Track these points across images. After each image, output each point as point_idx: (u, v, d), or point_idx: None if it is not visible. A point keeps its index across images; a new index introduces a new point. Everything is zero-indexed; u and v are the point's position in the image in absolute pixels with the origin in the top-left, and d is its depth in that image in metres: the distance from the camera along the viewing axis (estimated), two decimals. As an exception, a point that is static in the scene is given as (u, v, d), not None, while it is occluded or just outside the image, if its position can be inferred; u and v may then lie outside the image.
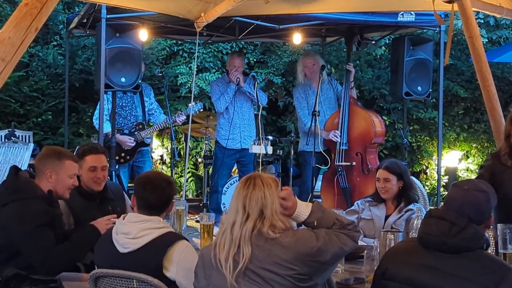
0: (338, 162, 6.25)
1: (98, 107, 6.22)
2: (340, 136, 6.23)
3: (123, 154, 6.29)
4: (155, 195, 2.81)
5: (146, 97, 6.46)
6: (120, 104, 6.30)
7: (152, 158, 7.42)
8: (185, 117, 6.49)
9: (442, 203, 2.93)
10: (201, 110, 6.80)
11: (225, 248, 2.39)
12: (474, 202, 2.43)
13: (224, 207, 6.66)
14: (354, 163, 6.23)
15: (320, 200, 6.66)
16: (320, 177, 6.63)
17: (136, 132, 6.33)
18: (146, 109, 6.47)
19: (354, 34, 6.56)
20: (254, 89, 6.26)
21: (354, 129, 6.31)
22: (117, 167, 6.30)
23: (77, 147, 4.94)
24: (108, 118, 6.17)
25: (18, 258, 3.17)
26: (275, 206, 2.43)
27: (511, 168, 3.41)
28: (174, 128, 6.51)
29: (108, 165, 4.06)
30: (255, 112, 6.41)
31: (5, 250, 3.21)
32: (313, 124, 6.12)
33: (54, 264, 3.14)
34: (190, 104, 6.39)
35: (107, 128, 6.08)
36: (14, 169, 3.40)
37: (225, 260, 2.37)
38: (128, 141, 6.24)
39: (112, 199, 3.87)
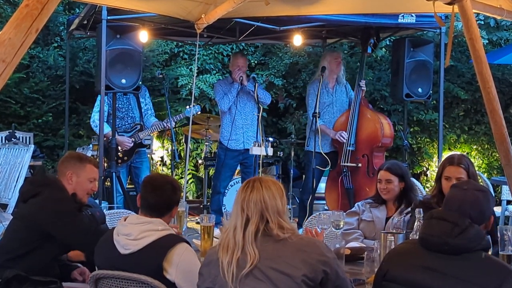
0: (344, 162, 6.24)
1: (94, 109, 6.32)
2: (348, 137, 6.23)
3: (120, 155, 6.32)
4: (155, 195, 2.82)
5: (142, 98, 6.48)
6: (117, 105, 6.30)
7: (152, 159, 7.41)
8: (180, 118, 6.59)
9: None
10: (199, 112, 6.82)
11: (228, 252, 2.37)
12: (474, 202, 2.42)
13: (225, 208, 6.65)
14: (360, 165, 6.22)
15: (323, 202, 6.66)
16: (324, 179, 6.63)
17: (134, 133, 6.36)
18: (142, 110, 6.50)
19: (370, 36, 6.49)
20: (254, 90, 6.26)
21: (362, 130, 6.32)
22: None
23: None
24: (106, 120, 6.19)
25: (19, 260, 3.17)
26: (278, 207, 2.40)
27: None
28: (174, 129, 6.52)
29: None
30: (256, 113, 6.41)
31: (12, 250, 3.20)
32: (314, 125, 6.11)
33: (93, 243, 2.93)
34: (188, 107, 6.42)
35: (105, 129, 6.10)
36: (42, 170, 3.44)
37: (228, 264, 2.35)
38: (127, 142, 6.29)
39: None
